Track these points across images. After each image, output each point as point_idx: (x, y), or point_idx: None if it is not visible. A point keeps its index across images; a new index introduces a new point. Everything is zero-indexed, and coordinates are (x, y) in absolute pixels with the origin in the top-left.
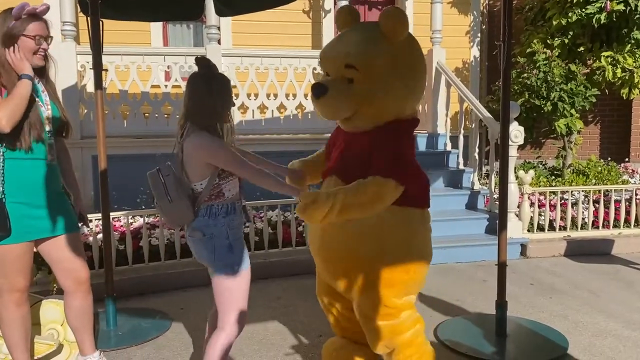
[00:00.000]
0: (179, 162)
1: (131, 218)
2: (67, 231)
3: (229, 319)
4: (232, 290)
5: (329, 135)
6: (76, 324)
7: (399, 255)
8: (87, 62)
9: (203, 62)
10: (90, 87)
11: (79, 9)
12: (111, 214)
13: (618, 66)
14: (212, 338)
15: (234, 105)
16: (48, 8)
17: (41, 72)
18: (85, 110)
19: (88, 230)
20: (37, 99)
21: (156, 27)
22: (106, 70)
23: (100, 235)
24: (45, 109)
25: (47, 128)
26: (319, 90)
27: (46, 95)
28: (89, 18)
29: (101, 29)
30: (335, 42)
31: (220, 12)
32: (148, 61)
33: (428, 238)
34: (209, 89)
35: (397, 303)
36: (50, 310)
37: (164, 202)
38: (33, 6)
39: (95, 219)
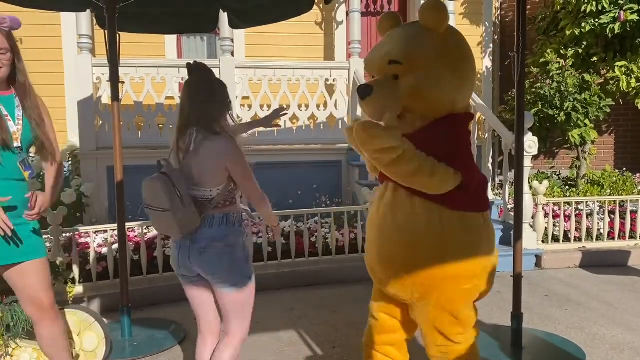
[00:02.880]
0: (186, 167)
1: (145, 228)
2: (30, 257)
3: (241, 329)
4: (246, 301)
5: (341, 145)
6: (49, 351)
7: (461, 262)
8: (103, 74)
9: (196, 67)
10: (105, 99)
11: (94, 22)
12: (126, 224)
13: (632, 76)
14: (222, 346)
15: (230, 109)
16: (8, 20)
17: (14, 84)
18: (101, 122)
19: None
20: (5, 112)
21: (170, 39)
22: (122, 82)
23: (115, 246)
24: (15, 124)
25: (15, 144)
26: (364, 91)
27: (20, 110)
28: (106, 31)
29: (118, 42)
30: (378, 45)
31: (234, 25)
32: (162, 73)
33: (492, 241)
34: (208, 94)
35: (462, 313)
36: (67, 320)
37: (176, 207)
38: None
39: (111, 230)
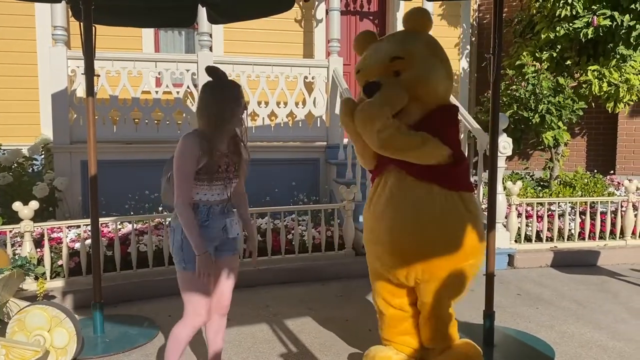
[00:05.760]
0: None
1: (120, 224)
2: None
3: (186, 311)
4: (184, 286)
5: (319, 143)
6: None
7: (463, 241)
8: (78, 67)
9: (209, 71)
10: (80, 92)
11: (69, 13)
12: (100, 219)
13: (604, 80)
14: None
15: (245, 109)
16: None
17: None
18: (75, 115)
19: (75, 236)
20: None
21: (148, 33)
22: (98, 75)
23: (88, 241)
24: None
25: None
26: (373, 88)
27: None
28: (81, 23)
29: (94, 34)
30: (369, 54)
31: (213, 20)
32: (139, 67)
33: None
34: (210, 97)
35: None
36: (37, 316)
37: (165, 179)
38: None
39: (84, 225)
